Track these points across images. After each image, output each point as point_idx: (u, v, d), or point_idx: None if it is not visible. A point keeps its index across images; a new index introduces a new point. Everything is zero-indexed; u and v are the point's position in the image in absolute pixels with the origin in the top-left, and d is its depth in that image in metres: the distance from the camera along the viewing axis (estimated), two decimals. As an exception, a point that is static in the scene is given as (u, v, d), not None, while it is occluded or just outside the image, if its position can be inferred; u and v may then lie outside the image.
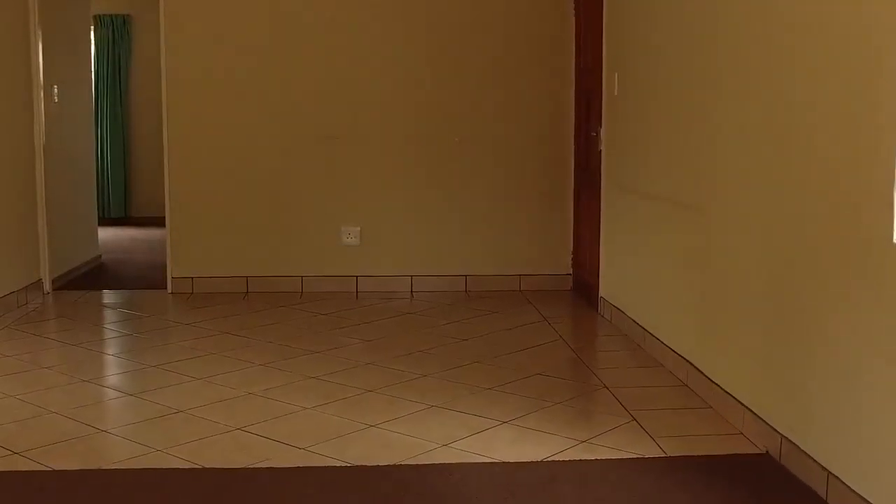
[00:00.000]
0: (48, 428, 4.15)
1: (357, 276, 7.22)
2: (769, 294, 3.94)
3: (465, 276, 7.25)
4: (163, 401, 4.54)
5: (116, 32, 11.47)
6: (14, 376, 4.99)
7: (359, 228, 7.19)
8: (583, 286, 6.98)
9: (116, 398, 4.70)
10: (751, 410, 4.06)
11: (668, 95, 5.19)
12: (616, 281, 6.20)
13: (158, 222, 10.39)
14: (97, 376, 5.06)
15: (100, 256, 8.57)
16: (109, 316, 6.66)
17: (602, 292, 6.46)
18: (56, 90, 7.44)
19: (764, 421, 3.94)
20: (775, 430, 3.83)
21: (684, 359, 4.87)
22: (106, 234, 9.69)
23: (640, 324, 5.63)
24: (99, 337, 5.95)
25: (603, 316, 6.39)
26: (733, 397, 4.24)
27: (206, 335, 5.89)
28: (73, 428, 4.14)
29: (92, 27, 10.30)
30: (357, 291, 7.19)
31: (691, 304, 4.83)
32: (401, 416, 4.33)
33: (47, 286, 7.21)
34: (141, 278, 7.81)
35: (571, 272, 7.28)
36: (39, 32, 7.05)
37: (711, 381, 4.50)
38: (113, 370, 5.30)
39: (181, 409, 4.41)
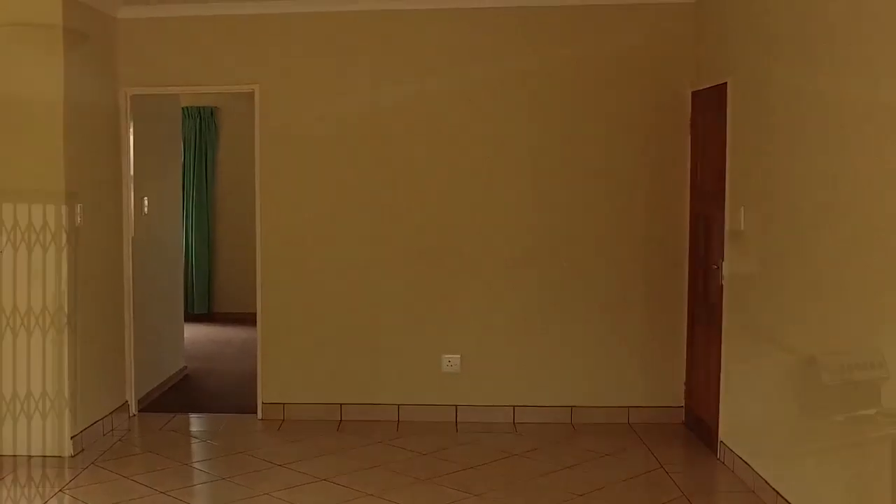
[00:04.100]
0: None
1: (457, 406, 6.81)
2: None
3: (571, 407, 6.79)
4: (263, 584, 4.18)
5: (203, 123, 11.35)
6: (103, 540, 4.68)
7: (459, 356, 6.79)
8: (697, 423, 6.49)
9: (213, 577, 4.33)
10: None
11: (815, 242, 4.72)
12: (741, 428, 5.72)
13: (242, 319, 10.20)
14: (190, 543, 4.71)
15: (185, 368, 8.27)
16: (198, 451, 6.30)
17: (722, 436, 5.97)
18: (146, 202, 7.22)
19: None
20: None
21: (834, 543, 4.38)
22: (190, 333, 9.42)
23: (773, 486, 5.13)
24: (188, 482, 5.61)
25: (724, 463, 5.89)
26: None
27: (302, 482, 5.51)
28: None
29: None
30: (457, 422, 6.77)
31: (853, 488, 4.33)
32: None
33: (133, 408, 6.92)
34: (229, 397, 7.49)
35: (683, 404, 6.79)
36: (131, 135, 6.87)
37: (873, 580, 4.01)
38: (206, 534, 4.94)
39: None
